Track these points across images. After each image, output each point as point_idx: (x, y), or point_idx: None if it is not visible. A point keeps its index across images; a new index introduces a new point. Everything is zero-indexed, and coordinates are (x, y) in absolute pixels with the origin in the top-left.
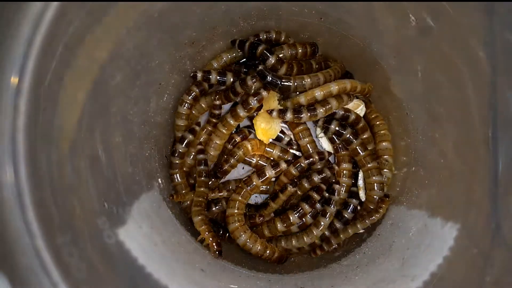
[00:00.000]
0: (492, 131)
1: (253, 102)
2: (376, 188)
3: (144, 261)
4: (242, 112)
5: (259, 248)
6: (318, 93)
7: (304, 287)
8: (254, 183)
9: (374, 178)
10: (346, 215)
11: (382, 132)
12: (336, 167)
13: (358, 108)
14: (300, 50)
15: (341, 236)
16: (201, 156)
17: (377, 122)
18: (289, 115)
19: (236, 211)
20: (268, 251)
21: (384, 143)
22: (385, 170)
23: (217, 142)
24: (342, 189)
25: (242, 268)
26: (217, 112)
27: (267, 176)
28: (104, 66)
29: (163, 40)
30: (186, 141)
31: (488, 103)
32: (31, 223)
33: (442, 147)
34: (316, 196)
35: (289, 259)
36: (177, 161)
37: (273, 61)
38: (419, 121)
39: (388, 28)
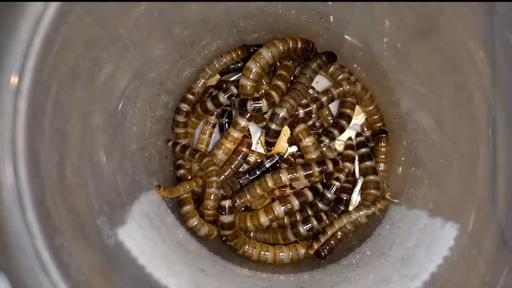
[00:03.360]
0: (492, 131)
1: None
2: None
3: (144, 261)
4: (243, 122)
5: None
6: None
7: (304, 287)
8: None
9: (370, 190)
10: (328, 195)
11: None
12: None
13: (359, 115)
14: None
15: (336, 225)
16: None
17: (382, 158)
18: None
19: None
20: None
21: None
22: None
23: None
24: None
25: (242, 268)
26: (213, 121)
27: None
28: (104, 66)
29: (163, 40)
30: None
31: (488, 103)
32: (31, 224)
33: (442, 147)
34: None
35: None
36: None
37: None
38: (419, 121)
39: (388, 28)
